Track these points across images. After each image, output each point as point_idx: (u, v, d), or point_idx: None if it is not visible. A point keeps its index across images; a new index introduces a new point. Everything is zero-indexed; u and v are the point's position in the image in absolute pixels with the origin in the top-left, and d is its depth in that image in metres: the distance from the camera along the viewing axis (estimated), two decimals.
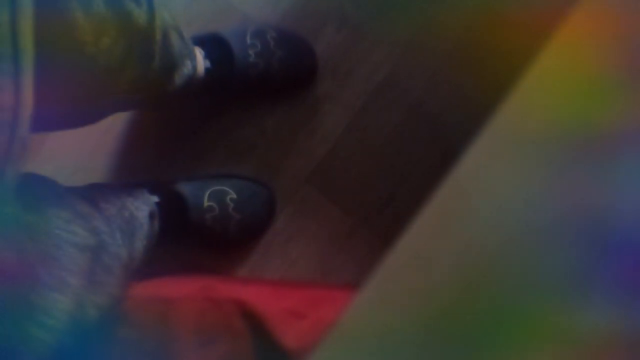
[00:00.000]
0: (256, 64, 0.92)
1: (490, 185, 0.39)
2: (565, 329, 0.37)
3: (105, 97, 0.65)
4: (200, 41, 0.90)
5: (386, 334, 0.39)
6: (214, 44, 0.91)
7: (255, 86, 0.93)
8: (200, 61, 0.87)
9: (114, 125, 1.00)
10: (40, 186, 0.65)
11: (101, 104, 0.67)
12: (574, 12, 0.39)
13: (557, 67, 0.39)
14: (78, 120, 0.69)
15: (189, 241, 0.93)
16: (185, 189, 0.91)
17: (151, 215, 0.81)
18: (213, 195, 0.92)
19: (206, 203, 0.91)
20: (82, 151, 1.00)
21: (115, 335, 0.63)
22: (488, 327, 0.38)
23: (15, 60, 0.45)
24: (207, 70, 0.87)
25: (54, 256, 0.56)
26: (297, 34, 0.97)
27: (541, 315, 0.37)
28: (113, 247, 0.65)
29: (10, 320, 0.49)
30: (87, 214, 0.64)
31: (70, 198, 0.65)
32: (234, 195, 0.93)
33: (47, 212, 0.59)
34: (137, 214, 0.77)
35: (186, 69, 0.79)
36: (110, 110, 0.73)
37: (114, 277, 0.63)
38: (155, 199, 0.86)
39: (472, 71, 0.95)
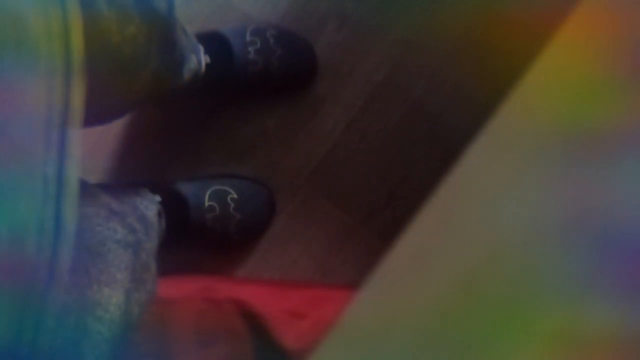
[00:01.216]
0: (255, 62, 0.92)
1: (490, 185, 0.39)
2: (566, 329, 0.37)
3: (130, 91, 0.65)
4: (200, 38, 0.90)
5: (386, 334, 0.39)
6: (213, 41, 0.91)
7: (255, 84, 0.93)
8: (202, 56, 0.87)
9: (112, 125, 0.99)
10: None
11: (125, 99, 0.66)
12: (574, 12, 0.39)
13: (557, 67, 0.39)
14: (101, 118, 0.69)
15: (189, 241, 0.93)
16: (185, 189, 0.91)
17: (159, 214, 0.81)
18: (214, 195, 0.92)
19: (207, 203, 0.91)
20: (79, 150, 1.00)
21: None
22: (488, 327, 0.38)
23: (67, 59, 0.45)
24: (206, 66, 0.88)
25: (99, 252, 0.56)
26: (297, 33, 0.96)
27: (541, 315, 0.37)
28: (147, 244, 0.65)
29: (71, 314, 0.50)
30: (120, 211, 0.64)
31: (103, 196, 0.65)
32: (235, 195, 0.93)
33: (86, 210, 0.59)
34: (147, 213, 0.77)
35: (192, 63, 0.79)
36: (129, 108, 0.73)
37: (151, 275, 0.64)
38: (158, 198, 0.86)
39: (472, 71, 0.95)
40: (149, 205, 0.79)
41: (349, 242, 0.96)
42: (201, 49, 0.87)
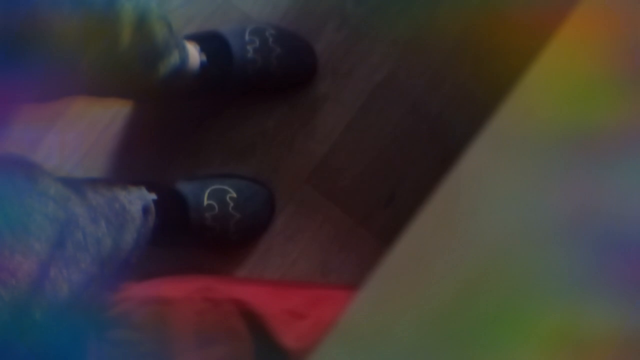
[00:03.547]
0: (254, 60, 0.91)
1: (490, 185, 0.39)
2: (565, 329, 0.37)
3: (68, 74, 0.64)
4: (198, 38, 0.90)
5: (386, 334, 0.39)
6: (211, 40, 0.91)
7: (254, 83, 0.93)
8: (194, 54, 0.86)
9: (112, 124, 1.00)
10: (20, 167, 0.65)
11: (65, 81, 0.66)
12: (574, 12, 0.39)
13: (557, 67, 0.39)
14: (37, 96, 0.68)
15: (189, 240, 0.93)
16: (185, 188, 0.91)
17: (145, 210, 0.81)
18: (213, 194, 0.92)
19: (206, 202, 0.91)
20: (80, 150, 1.00)
21: (112, 336, 0.63)
22: (487, 327, 0.38)
23: None
24: (203, 65, 0.87)
25: (22, 221, 0.56)
26: (297, 33, 0.96)
27: (541, 315, 0.37)
28: (90, 229, 0.65)
29: None
30: (61, 196, 0.64)
31: (48, 180, 0.65)
32: (234, 195, 0.93)
33: (20, 186, 0.59)
34: (130, 207, 0.77)
35: (173, 59, 0.79)
36: (75, 91, 0.72)
37: (88, 255, 0.63)
38: (153, 196, 0.86)
39: (472, 71, 0.95)
40: (134, 201, 0.79)
41: (349, 242, 0.96)
42: (194, 47, 0.87)
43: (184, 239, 0.92)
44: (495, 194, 0.39)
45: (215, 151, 0.98)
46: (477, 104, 0.93)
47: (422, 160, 0.96)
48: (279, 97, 0.98)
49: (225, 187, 0.93)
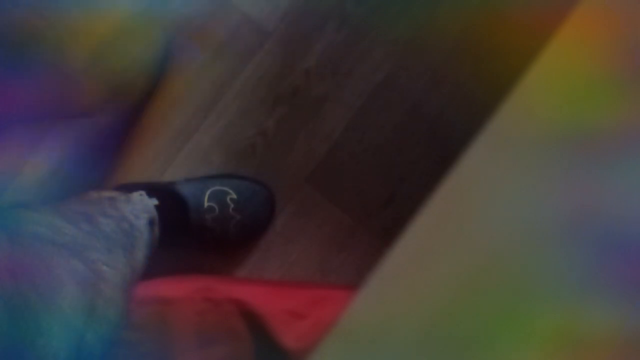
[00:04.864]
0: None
1: (490, 185, 0.39)
2: (565, 329, 0.37)
3: (68, 75, 0.64)
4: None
5: (386, 334, 0.39)
6: None
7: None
8: None
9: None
10: (38, 218, 0.63)
11: (64, 82, 0.66)
12: (574, 12, 0.39)
13: (557, 67, 0.39)
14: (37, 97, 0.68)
15: (189, 242, 0.93)
16: (185, 189, 0.91)
17: (151, 222, 0.81)
18: (213, 196, 0.92)
19: (206, 203, 0.91)
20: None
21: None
22: (488, 327, 0.38)
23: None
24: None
25: (55, 298, 0.55)
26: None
27: (541, 315, 0.37)
28: (116, 277, 0.65)
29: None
30: (86, 245, 0.63)
31: (69, 226, 0.64)
32: (234, 196, 0.93)
33: (48, 250, 0.58)
34: (137, 223, 0.76)
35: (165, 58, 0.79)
36: (74, 94, 0.72)
37: (115, 307, 0.63)
38: (154, 201, 0.86)
39: (472, 71, 0.95)
40: (140, 215, 0.78)
41: (349, 242, 0.96)
42: None
43: (184, 240, 0.92)
44: (495, 194, 0.39)
45: (215, 151, 0.98)
46: (477, 104, 0.93)
47: (422, 160, 0.96)
48: (279, 97, 0.98)
49: (226, 189, 0.93)
